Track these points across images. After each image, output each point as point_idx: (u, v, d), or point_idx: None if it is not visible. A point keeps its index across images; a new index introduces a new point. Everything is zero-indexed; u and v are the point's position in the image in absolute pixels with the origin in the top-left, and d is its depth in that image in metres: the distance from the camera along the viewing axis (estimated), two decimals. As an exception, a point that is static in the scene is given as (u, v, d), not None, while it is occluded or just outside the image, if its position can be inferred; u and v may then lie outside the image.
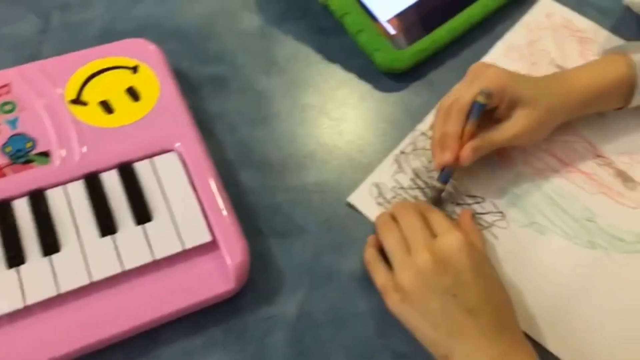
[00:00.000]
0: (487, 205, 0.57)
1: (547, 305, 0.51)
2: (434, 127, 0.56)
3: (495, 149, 0.55)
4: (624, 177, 0.58)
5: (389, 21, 0.64)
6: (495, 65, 0.56)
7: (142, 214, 0.50)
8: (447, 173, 0.55)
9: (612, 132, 0.61)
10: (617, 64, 0.58)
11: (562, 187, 0.57)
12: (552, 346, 0.49)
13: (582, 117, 0.60)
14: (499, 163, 0.59)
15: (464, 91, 0.54)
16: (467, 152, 0.53)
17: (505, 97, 0.54)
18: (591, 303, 0.51)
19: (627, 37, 0.68)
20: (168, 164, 0.54)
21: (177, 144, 0.54)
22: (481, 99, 0.53)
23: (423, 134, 0.61)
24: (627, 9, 0.70)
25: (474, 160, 0.54)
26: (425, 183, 0.58)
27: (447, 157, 0.54)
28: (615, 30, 0.69)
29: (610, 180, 0.58)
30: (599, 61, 0.60)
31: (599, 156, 0.59)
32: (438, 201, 0.56)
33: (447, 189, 0.57)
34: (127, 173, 0.53)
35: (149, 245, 0.49)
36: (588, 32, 0.68)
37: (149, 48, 0.60)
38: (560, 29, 0.69)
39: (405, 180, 0.58)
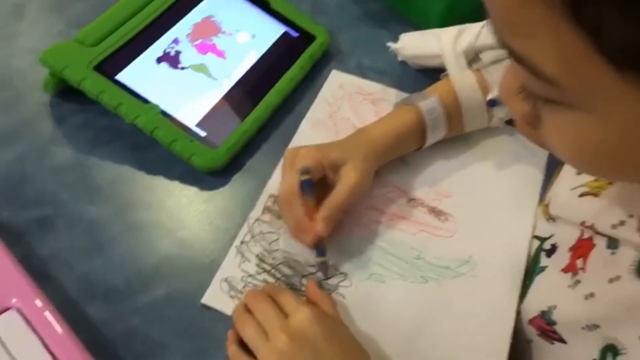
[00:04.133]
0: (329, 270, 0.61)
1: (398, 346, 0.56)
2: (285, 220, 0.62)
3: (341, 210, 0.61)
4: (437, 212, 0.65)
5: (197, 125, 0.68)
6: (304, 146, 0.62)
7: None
8: (320, 248, 0.60)
9: (417, 176, 0.68)
10: (408, 114, 0.66)
11: (388, 235, 0.63)
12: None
13: (391, 168, 0.67)
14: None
15: (289, 177, 0.60)
16: (320, 225, 0.58)
17: (325, 166, 0.60)
18: (432, 331, 0.57)
19: (410, 88, 0.77)
20: (8, 323, 0.52)
21: (14, 300, 0.53)
22: (304, 177, 0.59)
23: (257, 219, 0.64)
24: (404, 64, 0.80)
25: (332, 227, 0.60)
26: (271, 265, 0.61)
27: (308, 238, 0.59)
28: (399, 84, 0.78)
29: (426, 218, 0.65)
30: (392, 114, 0.68)
31: (411, 199, 0.66)
32: (326, 272, 0.60)
33: (292, 265, 0.61)
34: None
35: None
36: (377, 93, 0.77)
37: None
38: (354, 96, 0.77)
39: (251, 267, 0.61)
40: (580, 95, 0.31)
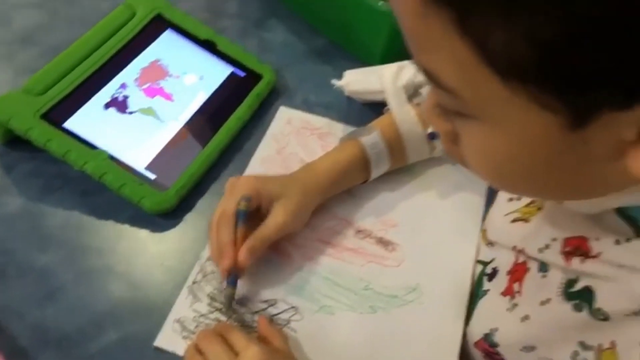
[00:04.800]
0: (280, 305, 0.62)
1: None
2: (210, 241, 0.63)
3: (269, 245, 0.62)
4: (384, 243, 0.67)
5: (147, 168, 0.69)
6: (246, 175, 0.64)
7: None
8: (232, 277, 0.60)
9: (364, 207, 0.70)
10: (352, 148, 0.68)
11: (337, 268, 0.65)
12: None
13: (338, 201, 0.69)
14: (279, 263, 0.65)
15: (227, 203, 0.62)
16: (243, 254, 0.59)
17: (261, 197, 0.62)
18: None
19: (356, 121, 0.80)
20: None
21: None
22: (242, 206, 0.60)
23: (208, 259, 0.65)
24: (350, 98, 0.82)
25: (254, 259, 0.60)
26: (222, 303, 0.62)
27: (226, 263, 0.59)
28: (345, 118, 0.80)
29: (374, 249, 0.67)
30: (337, 149, 0.70)
31: (359, 231, 0.68)
32: (230, 303, 0.60)
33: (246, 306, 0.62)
34: None
35: None
36: (324, 127, 0.79)
37: None
38: (302, 131, 0.79)
39: (203, 307, 0.62)
40: (478, 106, 0.34)
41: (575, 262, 0.46)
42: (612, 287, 0.42)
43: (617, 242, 0.42)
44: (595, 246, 0.44)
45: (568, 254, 0.47)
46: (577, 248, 0.46)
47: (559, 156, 0.34)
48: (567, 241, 0.48)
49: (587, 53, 0.27)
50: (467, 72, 0.31)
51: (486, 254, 0.63)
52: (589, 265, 0.45)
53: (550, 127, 0.32)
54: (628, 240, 0.42)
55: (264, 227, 0.62)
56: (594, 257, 0.44)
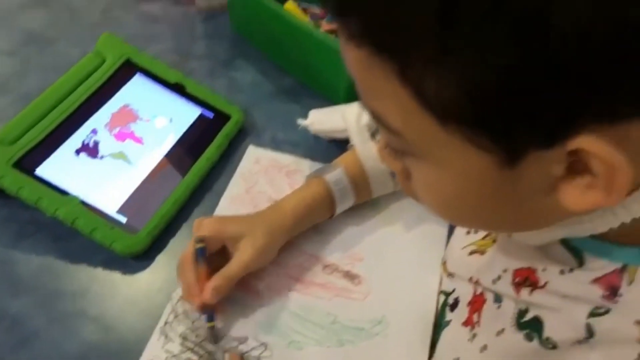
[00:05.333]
0: (250, 342, 0.64)
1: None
2: (179, 283, 0.65)
3: (239, 283, 0.65)
4: (350, 276, 0.70)
5: (118, 211, 0.71)
6: (210, 216, 0.67)
7: None
8: (208, 313, 0.63)
9: (330, 242, 0.73)
10: (317, 186, 0.71)
11: (305, 303, 0.67)
12: None
13: (305, 237, 0.72)
14: (249, 300, 0.67)
15: (189, 244, 0.65)
16: (208, 293, 0.62)
17: (225, 237, 0.65)
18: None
19: (323, 158, 0.82)
20: None
21: None
22: (198, 245, 0.63)
23: (180, 299, 0.67)
24: (316, 136, 0.85)
25: (220, 297, 0.62)
26: (194, 342, 0.64)
27: (196, 302, 0.62)
28: (312, 155, 0.83)
29: (341, 283, 0.69)
30: (303, 187, 0.73)
31: (326, 266, 0.71)
32: (214, 337, 0.63)
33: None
34: None
35: None
36: (291, 165, 0.82)
37: None
38: (270, 169, 0.81)
39: (175, 347, 0.63)
40: (422, 147, 0.37)
41: (525, 293, 0.48)
42: (558, 317, 0.45)
43: (562, 273, 0.45)
44: (542, 277, 0.47)
45: (518, 285, 0.49)
46: (526, 279, 0.49)
47: (499, 192, 0.37)
48: (516, 272, 0.50)
49: (504, 99, 0.30)
50: (410, 117, 0.34)
51: (448, 285, 0.65)
52: (537, 296, 0.47)
53: (487, 165, 0.34)
54: (571, 270, 0.45)
55: (228, 265, 0.64)
56: (541, 287, 0.47)
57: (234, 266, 0.64)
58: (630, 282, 0.40)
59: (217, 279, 0.63)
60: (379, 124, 0.38)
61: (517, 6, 0.27)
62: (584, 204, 0.34)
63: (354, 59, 0.35)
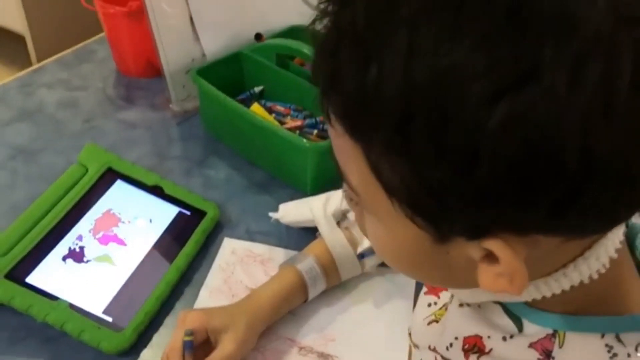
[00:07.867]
0: None
1: None
2: None
3: None
4: (324, 357, 0.75)
5: (104, 312, 0.76)
6: (195, 309, 0.73)
7: None
8: None
9: (304, 325, 0.78)
10: (289, 274, 0.77)
11: (284, 386, 0.72)
12: None
13: (280, 321, 0.77)
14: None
15: (175, 336, 0.69)
16: None
17: (209, 330, 0.70)
18: None
19: (295, 245, 0.88)
20: None
21: None
22: (187, 338, 0.68)
23: (166, 391, 0.71)
24: (287, 226, 0.91)
25: None
26: None
27: None
28: (285, 244, 0.89)
29: (316, 363, 0.74)
30: (277, 276, 0.79)
31: (302, 348, 0.75)
32: None
33: None
34: None
35: None
36: (265, 253, 0.88)
37: None
38: (245, 259, 0.87)
39: None
40: (372, 208, 0.43)
41: (473, 359, 0.54)
42: None
43: (504, 339, 0.51)
44: (488, 344, 0.52)
45: (467, 352, 0.55)
46: (474, 346, 0.54)
47: (433, 258, 0.43)
48: (465, 340, 0.56)
49: (432, 201, 0.37)
50: (366, 183, 0.41)
51: (415, 355, 0.70)
52: (484, 362, 0.52)
53: (422, 238, 0.41)
54: (511, 337, 0.50)
55: (212, 358, 0.68)
56: (487, 353, 0.52)
57: (218, 358, 0.68)
58: (561, 346, 0.46)
59: None
60: (342, 177, 0.44)
61: (456, 142, 0.33)
62: (495, 287, 0.40)
63: (330, 125, 0.42)
